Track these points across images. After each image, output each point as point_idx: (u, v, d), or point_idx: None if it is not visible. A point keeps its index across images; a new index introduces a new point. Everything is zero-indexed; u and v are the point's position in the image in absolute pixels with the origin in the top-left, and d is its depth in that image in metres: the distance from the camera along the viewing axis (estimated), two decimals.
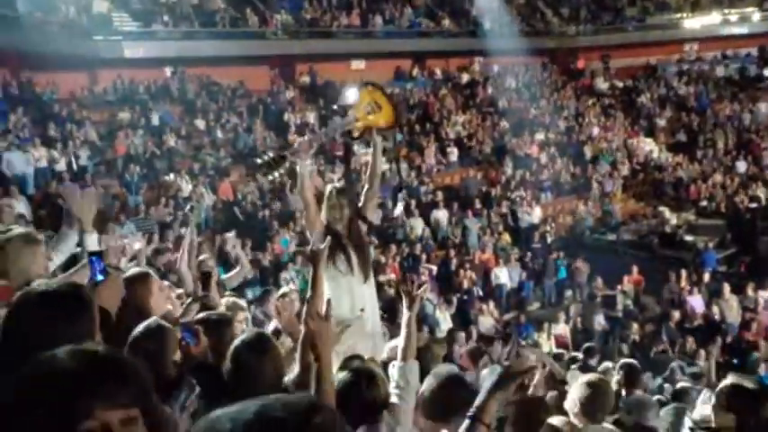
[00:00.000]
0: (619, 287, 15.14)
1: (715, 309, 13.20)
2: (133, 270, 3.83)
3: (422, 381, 2.99)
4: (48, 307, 1.91)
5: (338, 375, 2.90)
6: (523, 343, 11.52)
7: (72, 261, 3.89)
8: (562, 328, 13.17)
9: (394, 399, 2.95)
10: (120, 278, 3.19)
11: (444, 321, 12.79)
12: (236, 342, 2.93)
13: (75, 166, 15.68)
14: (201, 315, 3.23)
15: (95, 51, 18.37)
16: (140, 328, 3.06)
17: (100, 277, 2.98)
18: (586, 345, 8.78)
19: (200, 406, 2.53)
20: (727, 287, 13.58)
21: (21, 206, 11.69)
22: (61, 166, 15.31)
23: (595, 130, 24.20)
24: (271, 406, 1.12)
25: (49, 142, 15.85)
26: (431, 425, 2.91)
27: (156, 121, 18.28)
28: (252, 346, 2.86)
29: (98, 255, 3.09)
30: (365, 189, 4.37)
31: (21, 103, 17.06)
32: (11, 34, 17.26)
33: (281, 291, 5.24)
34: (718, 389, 2.90)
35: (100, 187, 14.47)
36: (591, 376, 3.94)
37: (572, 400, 3.67)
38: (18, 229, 3.50)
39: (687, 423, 4.75)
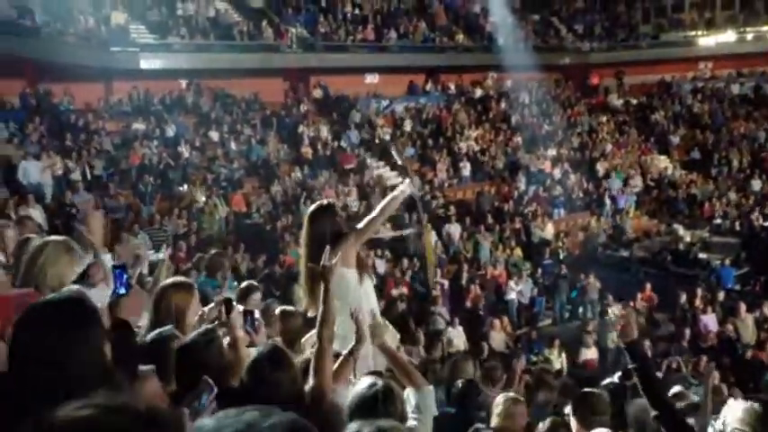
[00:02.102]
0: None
1: (729, 327, 13.08)
2: (178, 278, 3.87)
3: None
4: (53, 317, 1.92)
5: (356, 389, 2.90)
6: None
7: (84, 271, 3.92)
8: (592, 352, 12.90)
9: (412, 422, 2.94)
10: (143, 292, 3.21)
11: (457, 337, 12.70)
12: (254, 354, 2.94)
13: (89, 176, 15.79)
14: (194, 337, 3.17)
15: (112, 62, 18.57)
16: (154, 333, 3.10)
17: (122, 290, 3.00)
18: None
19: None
20: (743, 306, 13.45)
21: (37, 215, 11.75)
22: (76, 175, 15.41)
23: (609, 147, 24.15)
24: (256, 427, 1.13)
25: (64, 152, 15.98)
26: None
27: (170, 132, 18.39)
28: (269, 359, 2.87)
29: (122, 268, 3.11)
30: (370, 219, 4.09)
31: (38, 113, 17.22)
32: (29, 44, 17.46)
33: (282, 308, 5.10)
34: (727, 413, 2.87)
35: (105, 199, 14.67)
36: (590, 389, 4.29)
37: (570, 410, 4.00)
38: (56, 237, 3.61)
39: None
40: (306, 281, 3.95)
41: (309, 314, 3.92)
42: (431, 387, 3.24)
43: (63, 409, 1.29)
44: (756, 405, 2.67)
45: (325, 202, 4.18)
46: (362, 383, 2.91)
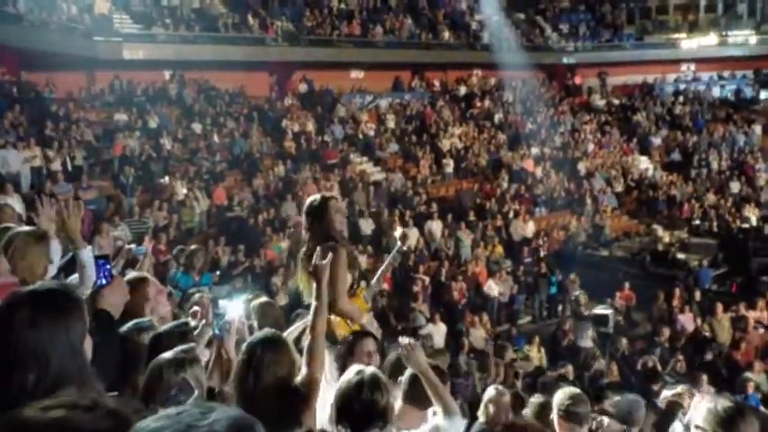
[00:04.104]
0: (608, 300, 15.14)
1: (705, 327, 13.24)
2: (131, 275, 3.87)
3: None
4: (38, 306, 1.89)
5: (344, 376, 2.97)
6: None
7: (73, 259, 3.91)
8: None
9: None
10: (124, 282, 3.21)
11: (437, 334, 12.76)
12: (252, 338, 2.98)
13: (70, 166, 15.64)
14: (168, 328, 3.18)
15: (95, 52, 18.39)
16: (130, 324, 3.11)
17: (103, 281, 3.01)
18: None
19: None
20: (719, 306, 13.62)
21: (15, 204, 11.62)
22: (56, 165, 15.25)
23: (591, 147, 24.32)
24: (196, 426, 1.12)
25: (45, 141, 15.82)
26: (409, 408, 3.28)
27: (153, 123, 18.26)
28: (266, 344, 2.89)
29: (105, 258, 3.12)
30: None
31: (18, 102, 17.01)
32: (11, 32, 17.27)
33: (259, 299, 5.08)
34: (695, 409, 2.92)
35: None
36: (570, 387, 4.48)
37: (554, 408, 4.11)
38: (26, 227, 3.56)
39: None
40: (302, 276, 4.04)
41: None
42: (463, 420, 3.31)
43: (30, 408, 1.27)
44: (720, 406, 2.69)
45: (319, 196, 4.19)
46: (350, 371, 2.96)
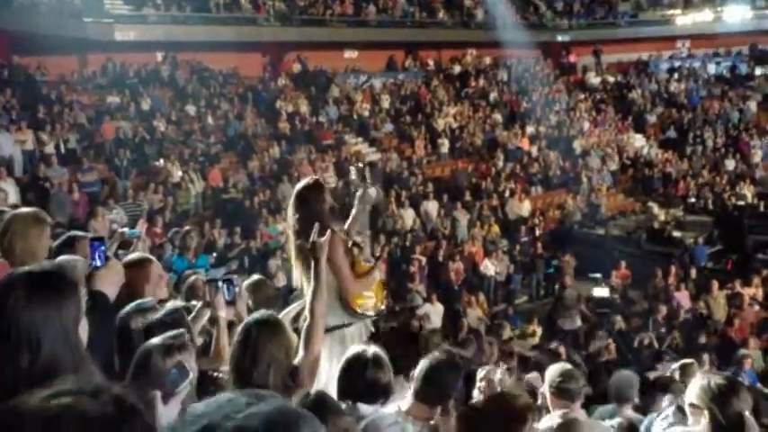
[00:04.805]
0: (604, 279, 15.19)
1: (701, 304, 13.30)
2: (133, 255, 3.83)
3: None
4: (33, 287, 1.87)
5: (347, 353, 3.07)
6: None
7: (68, 241, 3.88)
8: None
9: None
10: (119, 264, 3.18)
11: (435, 314, 12.78)
12: (248, 320, 2.95)
13: (63, 150, 15.55)
14: (159, 317, 3.15)
15: (86, 34, 18.16)
16: (132, 304, 3.08)
17: (98, 263, 2.99)
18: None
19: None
20: (715, 284, 13.68)
21: (9, 189, 11.57)
22: (50, 148, 15.17)
23: (586, 125, 24.26)
24: (232, 418, 1.10)
25: (37, 125, 15.71)
26: (425, 408, 3.15)
27: (145, 105, 18.13)
28: (262, 325, 2.86)
29: (100, 240, 3.10)
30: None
31: (9, 85, 16.87)
32: (1, 15, 17.07)
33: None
34: (689, 387, 2.91)
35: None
36: (562, 363, 4.46)
37: (546, 385, 4.08)
38: (25, 208, 3.53)
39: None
40: (296, 258, 3.97)
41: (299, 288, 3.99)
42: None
43: (33, 397, 1.25)
44: (713, 382, 2.69)
45: (311, 180, 4.17)
46: (353, 349, 3.06)
